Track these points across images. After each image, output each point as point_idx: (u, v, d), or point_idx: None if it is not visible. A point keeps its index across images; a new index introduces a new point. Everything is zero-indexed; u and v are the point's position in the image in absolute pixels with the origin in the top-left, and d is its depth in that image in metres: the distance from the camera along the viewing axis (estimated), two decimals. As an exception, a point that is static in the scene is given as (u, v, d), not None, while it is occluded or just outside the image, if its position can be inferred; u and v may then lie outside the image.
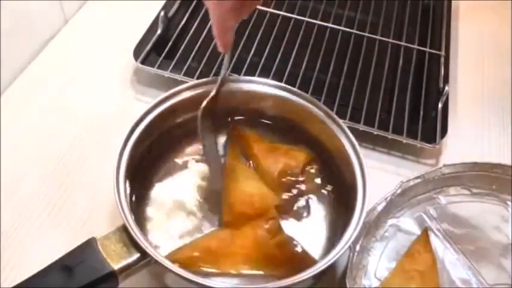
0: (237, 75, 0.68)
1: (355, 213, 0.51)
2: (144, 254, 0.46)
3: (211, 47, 0.73)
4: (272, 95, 0.60)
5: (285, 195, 0.57)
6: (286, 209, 0.56)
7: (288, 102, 0.60)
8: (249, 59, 0.72)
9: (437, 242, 0.58)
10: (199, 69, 0.70)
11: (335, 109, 0.66)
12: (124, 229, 0.48)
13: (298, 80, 0.70)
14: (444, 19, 0.82)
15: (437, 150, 0.67)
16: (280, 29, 0.77)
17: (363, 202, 0.51)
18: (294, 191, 0.58)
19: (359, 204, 0.51)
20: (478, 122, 0.72)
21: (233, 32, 0.52)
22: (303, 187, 0.58)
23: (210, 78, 0.60)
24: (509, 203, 0.61)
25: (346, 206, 0.54)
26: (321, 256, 0.53)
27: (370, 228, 0.56)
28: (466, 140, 0.70)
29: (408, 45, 0.77)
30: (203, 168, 0.59)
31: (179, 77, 0.69)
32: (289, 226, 0.55)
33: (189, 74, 0.69)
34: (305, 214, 0.56)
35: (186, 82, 0.60)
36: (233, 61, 0.71)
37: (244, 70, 0.70)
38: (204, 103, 0.57)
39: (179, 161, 0.59)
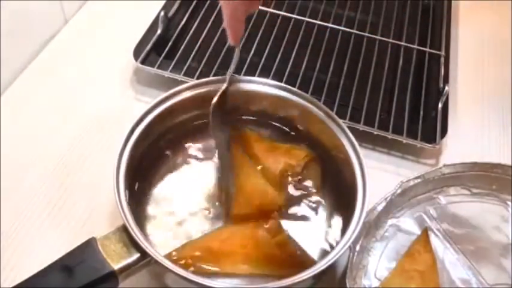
0: (237, 75, 0.68)
1: (355, 213, 0.51)
2: (144, 254, 0.46)
3: (211, 47, 0.73)
4: (272, 95, 0.60)
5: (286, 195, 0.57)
6: (286, 209, 0.56)
7: (288, 102, 0.60)
8: (249, 59, 0.72)
9: (437, 242, 0.58)
10: (199, 69, 0.70)
11: (335, 109, 0.66)
12: (124, 229, 0.48)
13: (298, 80, 0.70)
14: (444, 19, 0.82)
15: (437, 150, 0.67)
16: (280, 29, 0.77)
17: (363, 202, 0.51)
18: (294, 191, 0.58)
19: (359, 204, 0.51)
20: (478, 122, 0.72)
21: (243, 23, 0.53)
22: (303, 187, 0.58)
23: (210, 78, 0.60)
24: (509, 203, 0.61)
25: (346, 206, 0.54)
26: (320, 256, 0.53)
27: (370, 228, 0.56)
28: (466, 140, 0.70)
29: (408, 45, 0.77)
30: (203, 167, 0.59)
31: (179, 77, 0.69)
32: (289, 226, 0.55)
33: (189, 74, 0.69)
34: (305, 214, 0.56)
35: (186, 82, 0.60)
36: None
37: (244, 70, 0.70)
38: (215, 99, 0.57)
39: (179, 160, 0.59)
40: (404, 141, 0.66)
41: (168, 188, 0.57)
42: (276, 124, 0.62)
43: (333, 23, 0.78)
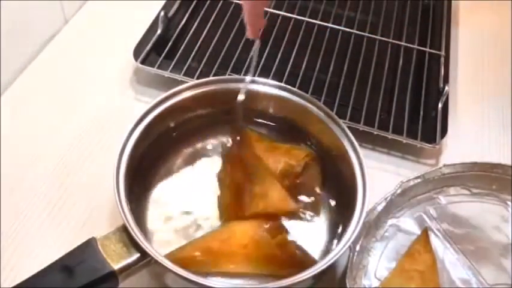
0: (237, 75, 0.68)
1: (355, 213, 0.51)
2: (144, 254, 0.46)
3: (211, 47, 0.73)
4: (272, 95, 0.60)
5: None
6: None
7: (288, 102, 0.60)
8: (249, 59, 0.72)
9: (437, 242, 0.57)
10: (199, 69, 0.70)
11: (335, 109, 0.66)
12: (124, 229, 0.48)
13: (298, 80, 0.70)
14: (444, 19, 0.82)
15: (437, 150, 0.67)
16: (280, 29, 0.77)
17: (363, 202, 0.51)
18: (294, 191, 0.58)
19: (359, 204, 0.51)
20: (478, 122, 0.72)
21: (262, 18, 0.53)
22: (303, 187, 0.58)
23: (210, 78, 0.61)
24: (509, 203, 0.61)
25: (346, 206, 0.54)
26: (321, 256, 0.53)
27: (370, 228, 0.56)
28: (466, 140, 0.70)
29: (408, 45, 0.77)
30: (203, 167, 0.59)
31: (179, 77, 0.69)
32: (289, 226, 0.55)
33: (189, 74, 0.69)
34: (305, 214, 0.56)
35: (186, 82, 0.60)
36: (233, 61, 0.71)
37: (244, 70, 0.70)
38: (241, 96, 0.57)
39: (179, 160, 0.59)
40: (404, 141, 0.66)
41: (168, 188, 0.57)
42: (276, 124, 0.62)
43: (333, 23, 0.78)
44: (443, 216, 0.59)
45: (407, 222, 0.59)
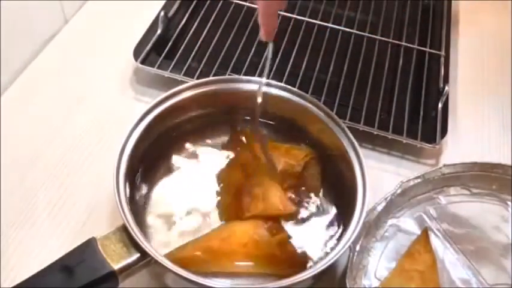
0: (237, 75, 0.68)
1: (355, 213, 0.51)
2: (144, 254, 0.46)
3: (211, 47, 0.73)
4: (272, 95, 0.60)
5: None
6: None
7: (288, 102, 0.60)
8: (249, 59, 0.72)
9: (437, 242, 0.57)
10: (199, 69, 0.70)
11: (335, 109, 0.66)
12: (124, 229, 0.48)
13: (298, 80, 0.70)
14: (444, 19, 0.82)
15: (437, 150, 0.67)
16: (281, 29, 0.77)
17: (363, 202, 0.51)
18: (294, 191, 0.58)
19: (359, 204, 0.51)
20: (478, 122, 0.72)
21: (276, 20, 0.53)
22: (302, 186, 0.58)
23: (210, 78, 0.61)
24: (509, 203, 0.61)
25: (346, 206, 0.54)
26: (320, 256, 0.53)
27: (370, 228, 0.56)
28: (466, 140, 0.70)
29: (408, 45, 0.77)
30: (203, 167, 0.59)
31: (179, 77, 0.68)
32: (289, 226, 0.55)
33: (189, 74, 0.69)
34: (305, 214, 0.56)
35: (186, 82, 0.60)
36: (233, 61, 0.71)
37: (244, 70, 0.70)
38: (260, 99, 0.57)
39: (179, 160, 0.59)
40: (404, 141, 0.66)
41: (168, 188, 0.57)
42: (276, 124, 0.62)
43: (333, 23, 0.78)
44: (443, 216, 0.59)
45: (407, 222, 0.59)
